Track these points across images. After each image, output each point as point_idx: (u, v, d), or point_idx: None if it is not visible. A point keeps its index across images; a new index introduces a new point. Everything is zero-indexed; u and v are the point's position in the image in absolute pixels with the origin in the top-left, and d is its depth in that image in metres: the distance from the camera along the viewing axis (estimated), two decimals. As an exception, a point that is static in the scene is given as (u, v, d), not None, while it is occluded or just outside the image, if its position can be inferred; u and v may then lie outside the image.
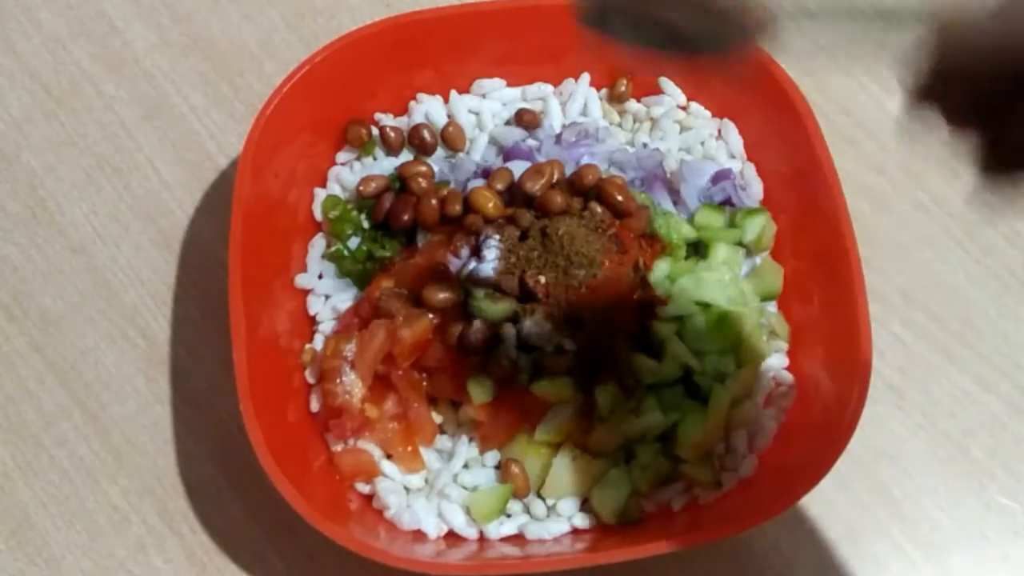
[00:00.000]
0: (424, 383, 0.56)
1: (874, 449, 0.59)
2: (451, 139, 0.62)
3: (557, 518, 0.55)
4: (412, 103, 0.63)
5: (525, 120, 0.62)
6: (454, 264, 0.56)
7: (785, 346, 0.58)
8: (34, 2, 0.71)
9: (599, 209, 0.56)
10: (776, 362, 0.58)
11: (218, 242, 0.58)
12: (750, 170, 0.62)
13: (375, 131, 0.62)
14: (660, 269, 0.56)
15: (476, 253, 0.55)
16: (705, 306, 0.56)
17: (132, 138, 0.68)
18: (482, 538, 0.55)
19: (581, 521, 0.55)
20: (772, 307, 0.59)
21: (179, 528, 0.58)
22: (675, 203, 0.60)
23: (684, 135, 0.62)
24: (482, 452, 0.56)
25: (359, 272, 0.59)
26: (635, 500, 0.54)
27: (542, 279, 0.53)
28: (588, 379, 0.54)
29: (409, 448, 0.56)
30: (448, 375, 0.55)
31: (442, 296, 0.54)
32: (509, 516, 0.55)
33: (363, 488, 0.56)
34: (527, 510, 0.56)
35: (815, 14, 0.35)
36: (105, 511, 0.59)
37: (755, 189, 0.61)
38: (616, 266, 0.55)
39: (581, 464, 0.54)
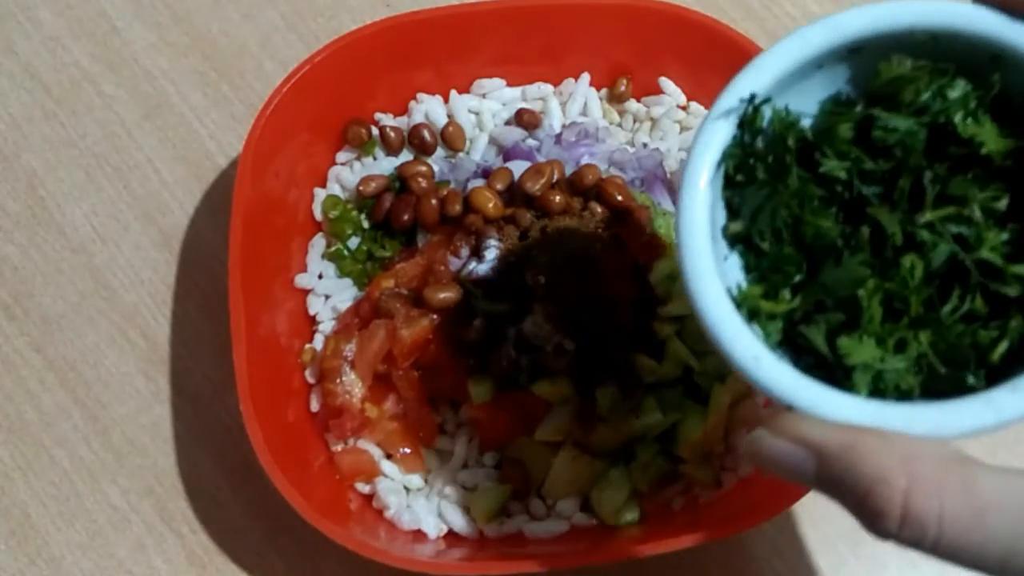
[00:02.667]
0: (424, 383, 0.56)
1: (874, 449, 0.59)
2: (451, 139, 0.62)
3: (557, 518, 0.55)
4: (412, 103, 0.63)
5: (525, 120, 0.62)
6: (454, 264, 0.56)
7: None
8: (34, 2, 0.71)
9: (599, 209, 0.56)
10: (776, 362, 0.58)
11: (218, 242, 0.58)
12: (750, 170, 0.61)
13: (375, 131, 0.62)
14: (660, 269, 0.56)
15: (476, 253, 0.55)
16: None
17: (132, 138, 0.68)
18: (482, 538, 0.55)
19: (581, 521, 0.55)
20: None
21: (179, 528, 0.58)
22: (675, 203, 0.60)
23: (684, 135, 0.63)
24: (482, 452, 0.56)
25: (359, 272, 0.60)
26: (635, 500, 0.55)
27: (542, 279, 0.53)
28: (588, 379, 0.54)
29: (409, 448, 0.56)
30: (448, 375, 0.55)
31: (442, 296, 0.54)
32: (509, 516, 0.55)
33: (363, 488, 0.56)
34: (527, 510, 0.56)
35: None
36: (105, 511, 0.59)
37: (755, 189, 0.61)
38: (616, 266, 0.55)
39: (581, 464, 0.54)
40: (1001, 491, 0.30)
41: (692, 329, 0.55)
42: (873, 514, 0.30)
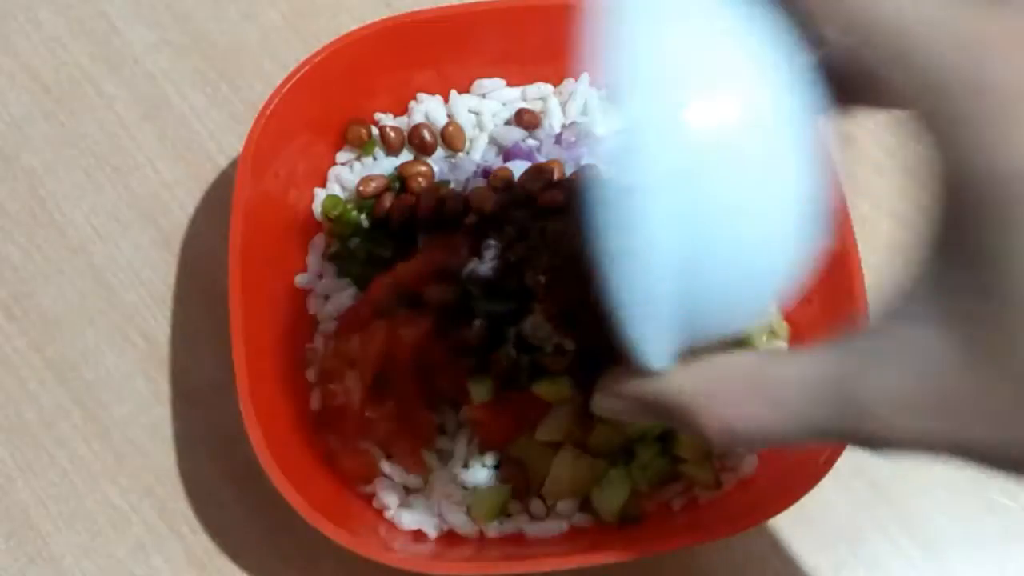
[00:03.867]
0: (424, 383, 0.56)
1: (874, 449, 0.59)
2: (451, 139, 0.62)
3: (557, 518, 0.55)
4: (412, 103, 0.63)
5: (525, 120, 0.62)
6: (454, 264, 0.56)
7: (785, 346, 0.58)
8: (34, 2, 0.71)
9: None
10: (776, 362, 0.57)
11: (218, 242, 0.58)
12: (750, 170, 0.61)
13: (375, 131, 0.62)
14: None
15: (476, 253, 0.55)
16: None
17: (132, 138, 0.68)
18: (482, 538, 0.55)
19: (581, 521, 0.55)
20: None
21: (179, 528, 0.58)
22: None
23: (684, 135, 0.62)
24: (482, 452, 0.56)
25: (359, 272, 0.59)
26: (635, 500, 0.55)
27: (542, 279, 0.53)
28: (588, 379, 0.54)
29: (409, 448, 0.56)
30: (448, 375, 0.55)
31: (442, 296, 0.54)
32: (509, 516, 0.55)
33: (363, 488, 0.56)
34: (527, 510, 0.56)
35: None
36: (105, 511, 0.59)
37: (755, 189, 0.61)
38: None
39: (581, 464, 0.54)
40: (792, 377, 0.33)
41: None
42: (700, 436, 0.35)
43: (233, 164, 0.66)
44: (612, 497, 0.54)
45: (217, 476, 0.59)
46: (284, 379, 0.57)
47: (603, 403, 0.40)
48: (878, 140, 0.67)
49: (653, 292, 0.33)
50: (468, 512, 0.55)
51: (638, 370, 0.37)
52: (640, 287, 0.33)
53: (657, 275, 0.32)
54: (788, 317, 0.58)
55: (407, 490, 0.56)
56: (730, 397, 0.34)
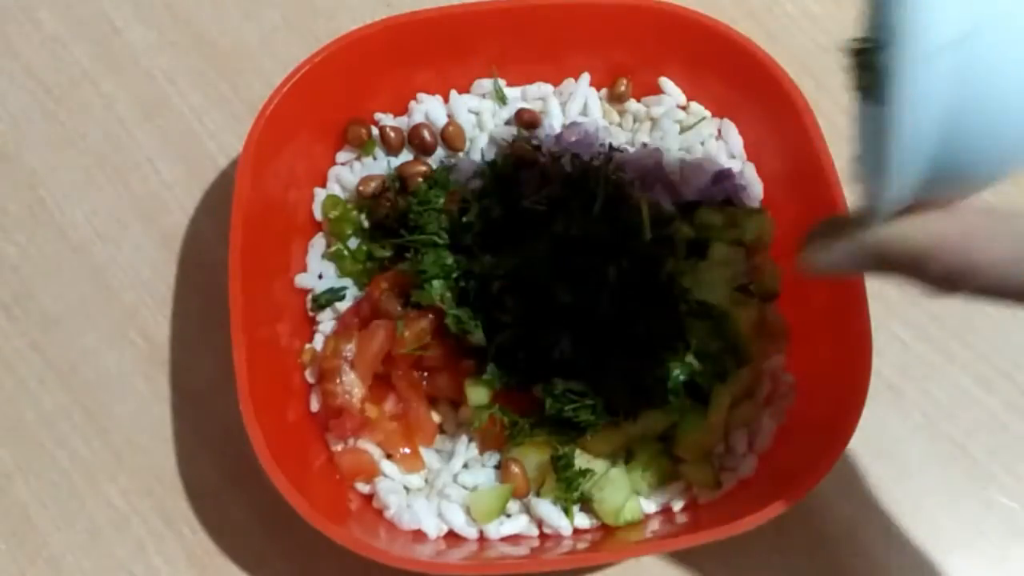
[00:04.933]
0: (424, 383, 0.56)
1: (874, 449, 0.59)
2: (451, 139, 0.62)
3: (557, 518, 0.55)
4: (412, 103, 0.63)
5: (525, 120, 0.62)
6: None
7: (785, 346, 0.58)
8: (34, 2, 0.71)
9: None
10: (776, 362, 0.58)
11: (218, 242, 0.58)
12: (750, 170, 0.61)
13: (375, 131, 0.62)
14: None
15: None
16: (705, 306, 0.56)
17: (132, 138, 0.68)
18: (482, 538, 0.55)
19: (581, 521, 0.55)
20: (772, 307, 0.59)
21: (179, 528, 0.58)
22: (675, 203, 0.60)
23: (684, 135, 0.62)
24: (482, 452, 0.56)
25: (359, 272, 0.59)
26: (635, 500, 0.54)
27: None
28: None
29: (409, 448, 0.56)
30: (448, 375, 0.55)
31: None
32: (509, 516, 0.55)
33: (363, 488, 0.56)
34: (527, 510, 0.56)
35: None
36: (105, 511, 0.59)
37: (755, 189, 0.61)
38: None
39: (582, 464, 0.54)
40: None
41: (692, 329, 0.55)
42: (920, 280, 0.37)
43: (233, 164, 0.66)
44: (612, 497, 0.54)
45: (217, 476, 0.59)
46: (284, 379, 0.57)
47: (819, 256, 0.40)
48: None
49: (915, 137, 0.34)
50: (468, 512, 0.55)
51: (856, 224, 0.37)
52: (902, 134, 0.34)
53: (922, 124, 0.33)
54: (788, 317, 0.58)
55: (407, 490, 0.56)
56: (974, 241, 0.35)
